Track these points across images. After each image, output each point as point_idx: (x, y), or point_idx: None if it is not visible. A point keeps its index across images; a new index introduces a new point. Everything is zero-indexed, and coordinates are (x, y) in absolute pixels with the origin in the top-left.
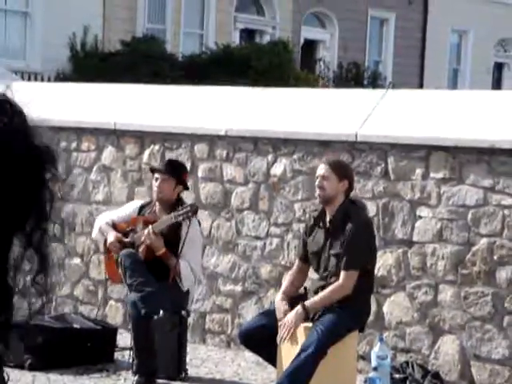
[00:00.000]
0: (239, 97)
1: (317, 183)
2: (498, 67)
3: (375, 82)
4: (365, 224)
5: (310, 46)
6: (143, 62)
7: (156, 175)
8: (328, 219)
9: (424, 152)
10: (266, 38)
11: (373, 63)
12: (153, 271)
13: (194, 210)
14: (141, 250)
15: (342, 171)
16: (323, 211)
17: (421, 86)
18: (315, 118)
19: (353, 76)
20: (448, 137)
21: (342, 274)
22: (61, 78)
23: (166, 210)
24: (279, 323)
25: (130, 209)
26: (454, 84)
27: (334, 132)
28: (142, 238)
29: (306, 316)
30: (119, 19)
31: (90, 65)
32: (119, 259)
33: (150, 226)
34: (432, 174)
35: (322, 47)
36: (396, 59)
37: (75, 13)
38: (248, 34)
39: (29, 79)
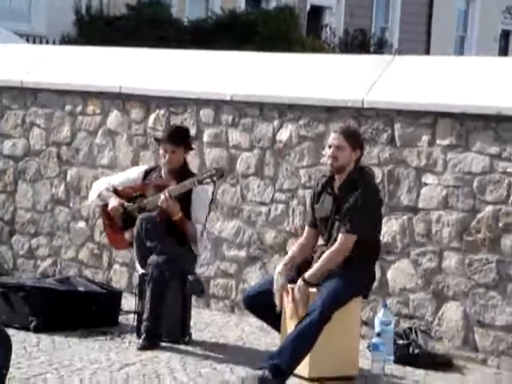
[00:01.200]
0: (245, 62)
1: (329, 153)
2: (505, 35)
3: (381, 48)
4: (373, 191)
5: (317, 12)
6: (148, 26)
7: (164, 147)
8: (337, 186)
9: (430, 119)
10: (273, 4)
11: (379, 30)
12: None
13: (220, 174)
14: (155, 214)
15: (355, 140)
16: (331, 177)
17: (427, 52)
18: (321, 83)
19: (359, 43)
20: (455, 103)
21: (340, 236)
22: (66, 41)
23: (173, 175)
24: (275, 295)
25: (133, 174)
26: (460, 51)
27: (340, 98)
28: (159, 203)
29: (308, 287)
30: None
31: (95, 29)
32: (137, 223)
33: (167, 191)
34: (438, 141)
35: (328, 13)
36: (402, 26)
37: None
38: None
39: (34, 42)
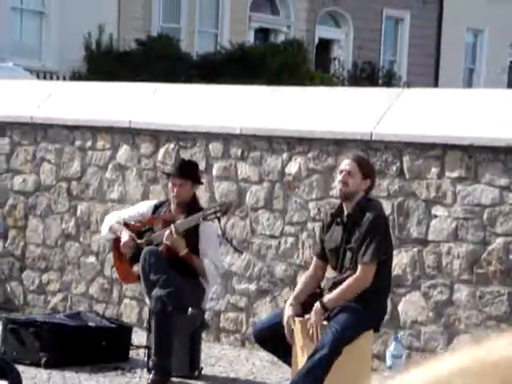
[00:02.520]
0: (253, 95)
1: (340, 178)
2: None
3: (390, 81)
4: (381, 218)
5: (325, 45)
6: (158, 61)
7: (172, 180)
8: (345, 215)
9: (439, 151)
10: (281, 38)
11: (387, 63)
12: (175, 269)
13: (225, 210)
14: (160, 249)
15: (367, 169)
16: (340, 208)
17: (436, 85)
18: (330, 116)
19: (367, 75)
20: (463, 136)
21: (359, 266)
22: (76, 77)
23: (181, 209)
24: (285, 327)
25: (143, 208)
26: (469, 84)
27: (349, 131)
28: (164, 239)
29: (326, 312)
30: (134, 18)
31: (105, 64)
32: (142, 256)
33: (173, 226)
34: (447, 173)
35: (336, 46)
36: (411, 59)
37: (90, 12)
38: (263, 33)
39: (44, 78)
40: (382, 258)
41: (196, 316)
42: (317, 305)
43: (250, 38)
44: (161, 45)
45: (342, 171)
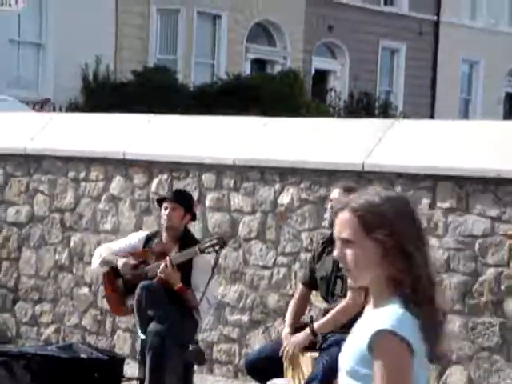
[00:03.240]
0: (247, 126)
1: (330, 207)
2: (510, 97)
3: (386, 112)
4: None
5: (321, 76)
6: (155, 92)
7: (165, 204)
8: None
9: (430, 182)
10: (277, 68)
11: (384, 93)
12: (169, 301)
13: (222, 244)
14: (155, 281)
15: None
16: (331, 237)
17: (432, 115)
18: (322, 147)
19: (364, 106)
20: (454, 166)
21: (349, 292)
22: (73, 108)
23: (174, 240)
24: (284, 353)
25: (134, 239)
26: (465, 114)
27: (340, 161)
28: (159, 271)
29: (314, 338)
30: (131, 49)
31: (102, 95)
32: (138, 291)
33: (168, 258)
34: (439, 204)
35: (333, 77)
36: (407, 89)
37: (87, 44)
38: (259, 64)
39: (41, 109)
40: None
41: (197, 352)
42: (307, 329)
43: (246, 69)
44: (158, 76)
45: (331, 200)
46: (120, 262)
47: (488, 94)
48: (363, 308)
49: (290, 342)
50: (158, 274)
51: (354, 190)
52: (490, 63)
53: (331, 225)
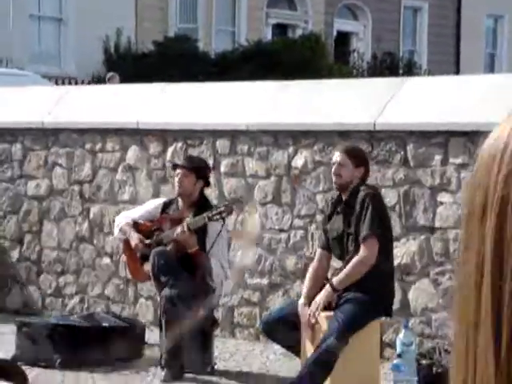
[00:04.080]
0: (260, 92)
1: (333, 170)
2: None
3: (411, 71)
4: (372, 194)
5: (344, 37)
6: (176, 61)
7: (177, 171)
8: (343, 202)
9: (442, 138)
10: (299, 33)
11: (408, 53)
12: (183, 268)
13: (229, 211)
14: (168, 248)
15: (357, 158)
16: (340, 197)
17: (457, 72)
18: (334, 108)
19: (387, 66)
20: (466, 122)
21: (362, 245)
22: (95, 81)
23: (190, 207)
24: (302, 327)
25: (152, 206)
26: (491, 69)
27: (352, 122)
28: (175, 235)
29: (335, 294)
30: (151, 20)
31: (124, 67)
32: (151, 257)
33: (185, 223)
34: (451, 160)
35: (355, 39)
36: (431, 47)
37: (107, 16)
38: (280, 29)
39: (63, 84)
40: (378, 230)
41: (206, 317)
42: (327, 286)
43: (267, 35)
44: (178, 45)
45: (333, 163)
46: (132, 242)
47: None
48: (374, 275)
49: (316, 303)
50: (176, 237)
51: (355, 151)
52: None
53: (338, 189)
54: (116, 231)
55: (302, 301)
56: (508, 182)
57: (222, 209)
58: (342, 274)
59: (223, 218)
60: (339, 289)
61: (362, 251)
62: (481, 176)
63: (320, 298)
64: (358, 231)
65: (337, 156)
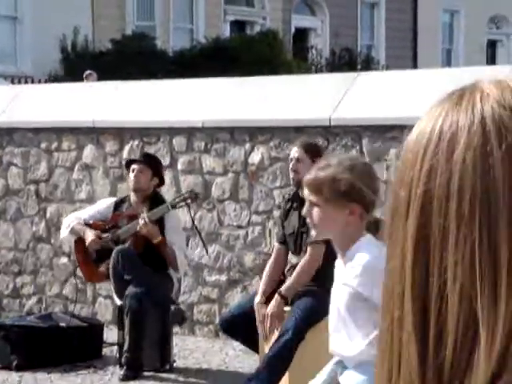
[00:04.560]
0: (215, 88)
1: (290, 166)
2: (492, 44)
3: (369, 66)
4: None
5: (302, 34)
6: (134, 59)
7: (133, 166)
8: (300, 200)
9: (398, 132)
10: (257, 29)
11: (365, 48)
12: (144, 262)
13: (194, 197)
14: (127, 244)
15: (315, 153)
16: (297, 194)
17: (415, 67)
18: (289, 104)
19: (346, 62)
20: (420, 115)
21: (308, 248)
22: (52, 80)
23: (143, 203)
24: (259, 325)
25: (103, 206)
26: (448, 64)
27: (308, 117)
28: (138, 228)
29: (286, 302)
30: (108, 18)
31: (81, 65)
32: (113, 257)
33: (145, 215)
34: None
35: (313, 35)
36: (388, 42)
37: (64, 14)
38: (239, 25)
39: (19, 83)
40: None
41: (177, 312)
42: (276, 296)
43: (225, 32)
44: (136, 43)
45: (291, 159)
46: (87, 240)
47: (470, 43)
48: (329, 270)
49: (268, 316)
50: (138, 229)
51: (312, 146)
52: (471, 11)
53: (295, 185)
54: (65, 232)
55: (258, 299)
56: (431, 176)
57: (187, 195)
58: (289, 283)
59: (188, 205)
60: (288, 296)
61: (308, 255)
62: (404, 171)
63: (271, 309)
64: (308, 230)
65: (294, 152)
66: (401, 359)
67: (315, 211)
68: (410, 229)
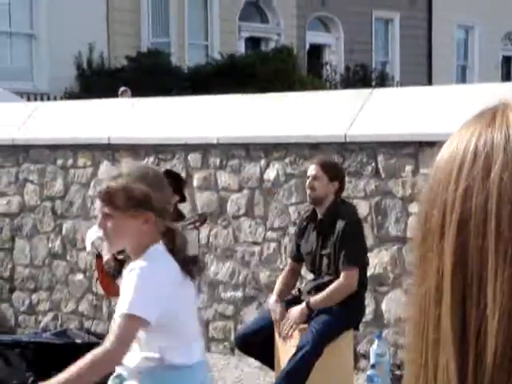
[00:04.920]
0: (230, 105)
1: (307, 184)
2: (507, 61)
3: (383, 83)
4: (353, 222)
5: (316, 50)
6: (149, 75)
7: None
8: (318, 219)
9: (413, 148)
10: (272, 45)
11: (380, 64)
12: None
13: (203, 220)
14: None
15: (332, 172)
16: (314, 212)
17: (430, 83)
18: (304, 121)
19: (360, 78)
20: (436, 132)
21: (343, 273)
22: (67, 97)
23: None
24: (276, 324)
25: None
26: (463, 80)
27: (323, 134)
28: None
29: (310, 314)
30: (124, 35)
31: (97, 82)
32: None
33: None
34: (422, 170)
35: (328, 51)
36: (403, 59)
37: (80, 31)
38: (253, 42)
39: (35, 100)
40: (361, 262)
41: None
42: (303, 305)
43: (240, 48)
44: (151, 60)
45: (308, 177)
46: (104, 257)
47: (485, 59)
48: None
49: (288, 319)
50: None
51: (330, 164)
52: (486, 28)
53: (312, 203)
54: (88, 246)
55: (273, 297)
56: (467, 196)
57: (196, 218)
58: (320, 296)
59: (196, 228)
60: (314, 309)
61: (343, 279)
62: (437, 192)
63: (295, 316)
64: (336, 256)
65: (312, 169)
66: (436, 382)
67: (109, 223)
68: (448, 250)
